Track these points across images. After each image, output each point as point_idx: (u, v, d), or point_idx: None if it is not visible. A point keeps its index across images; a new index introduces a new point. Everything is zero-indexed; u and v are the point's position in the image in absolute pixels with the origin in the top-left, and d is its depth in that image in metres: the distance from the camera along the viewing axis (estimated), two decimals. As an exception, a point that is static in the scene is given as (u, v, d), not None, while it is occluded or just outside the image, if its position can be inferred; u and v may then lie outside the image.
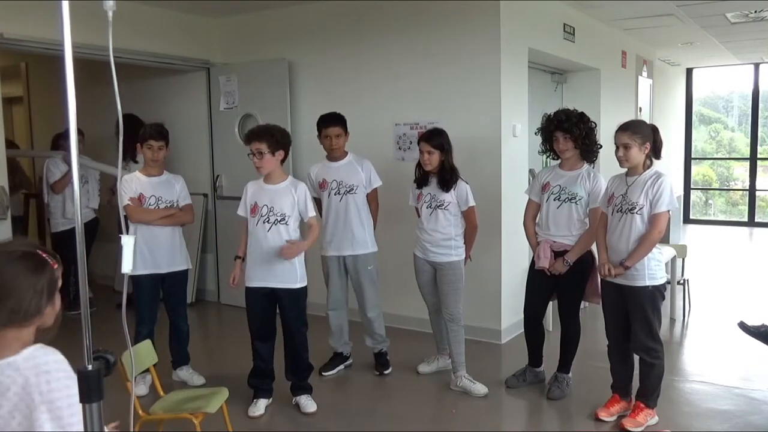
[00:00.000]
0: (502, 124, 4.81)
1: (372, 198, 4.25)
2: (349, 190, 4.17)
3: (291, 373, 3.84)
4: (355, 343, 4.50)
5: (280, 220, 3.62)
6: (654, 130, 3.46)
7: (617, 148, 3.42)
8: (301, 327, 3.77)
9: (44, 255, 1.60)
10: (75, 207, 1.43)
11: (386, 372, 4.34)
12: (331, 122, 4.16)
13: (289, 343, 3.79)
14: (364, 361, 4.49)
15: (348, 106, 4.43)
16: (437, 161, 3.93)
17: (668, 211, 3.34)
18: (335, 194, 4.19)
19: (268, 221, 3.62)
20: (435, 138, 3.94)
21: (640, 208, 3.34)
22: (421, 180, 4.05)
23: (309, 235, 3.70)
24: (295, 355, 3.80)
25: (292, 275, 3.67)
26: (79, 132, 6.36)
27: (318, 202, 4.24)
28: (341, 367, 4.46)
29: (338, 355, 4.46)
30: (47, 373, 1.50)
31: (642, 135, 3.37)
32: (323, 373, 4.39)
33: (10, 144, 6.30)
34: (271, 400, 3.83)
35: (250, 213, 3.66)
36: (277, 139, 3.64)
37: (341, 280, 4.31)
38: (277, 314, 3.79)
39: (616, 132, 3.43)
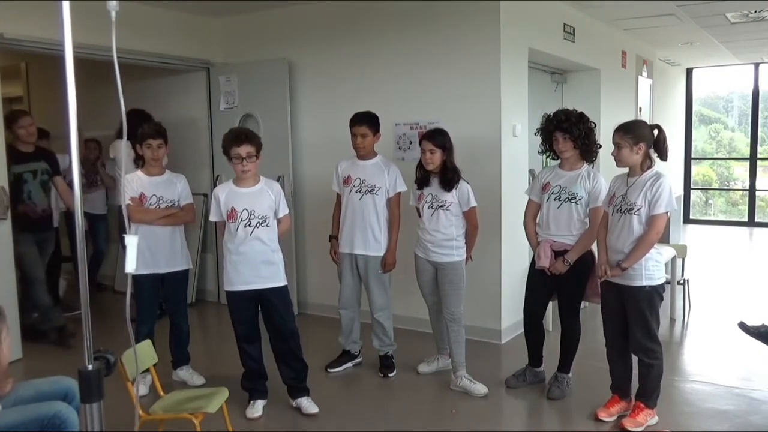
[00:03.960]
0: (502, 124, 4.81)
1: (394, 202, 4.22)
2: (370, 190, 4.17)
3: (289, 378, 3.79)
4: (365, 341, 4.52)
5: (262, 223, 3.61)
6: (659, 131, 3.44)
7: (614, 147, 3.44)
8: (293, 324, 3.76)
9: None
10: (75, 206, 1.43)
11: (390, 375, 4.33)
12: (358, 121, 4.16)
13: (283, 345, 3.73)
14: (370, 361, 4.49)
15: (348, 106, 4.43)
16: (439, 160, 3.93)
17: (666, 212, 3.33)
18: (356, 192, 4.20)
19: (249, 225, 3.58)
20: (437, 137, 3.94)
21: (638, 209, 3.34)
22: (423, 180, 4.05)
23: (281, 231, 3.75)
24: (291, 358, 3.75)
25: (277, 273, 3.67)
26: (95, 140, 6.33)
27: (339, 198, 4.33)
28: (349, 364, 4.47)
29: (346, 352, 4.48)
30: None
31: (634, 136, 3.36)
32: (329, 370, 4.41)
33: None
34: (266, 400, 3.81)
35: (227, 218, 3.60)
36: (260, 141, 3.64)
37: (353, 280, 4.31)
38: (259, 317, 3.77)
39: (613, 131, 3.45)
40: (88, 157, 6.26)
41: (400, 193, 4.24)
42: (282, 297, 3.69)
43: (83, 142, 6.34)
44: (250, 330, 3.71)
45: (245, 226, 3.58)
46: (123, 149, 1.58)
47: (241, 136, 3.56)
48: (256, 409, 3.72)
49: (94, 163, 6.38)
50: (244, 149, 3.53)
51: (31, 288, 4.99)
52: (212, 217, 3.71)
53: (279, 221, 3.72)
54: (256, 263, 3.61)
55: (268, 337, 3.77)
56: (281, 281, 3.68)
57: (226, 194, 3.64)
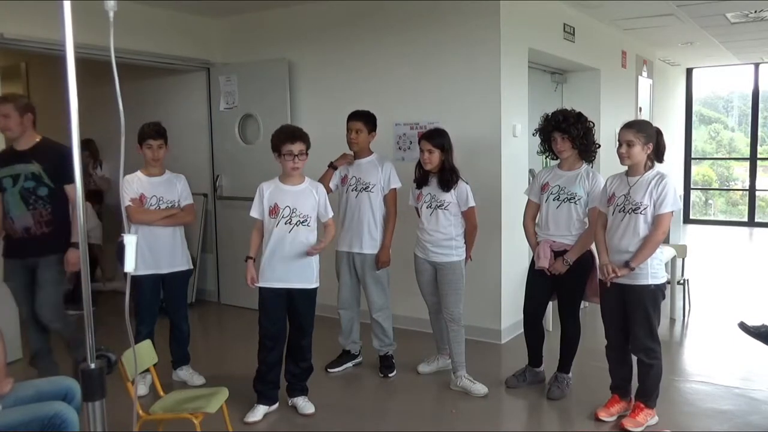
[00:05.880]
0: (502, 124, 4.81)
1: (390, 199, 4.23)
2: (365, 188, 4.19)
3: (292, 375, 3.81)
4: (364, 341, 4.53)
5: (303, 221, 3.64)
6: (658, 133, 3.46)
7: (620, 144, 3.41)
8: (311, 327, 3.79)
9: None
10: (78, 209, 1.44)
11: (390, 375, 4.34)
12: (354, 117, 4.21)
13: (297, 343, 3.77)
14: (370, 361, 4.49)
15: (348, 106, 4.43)
16: (437, 160, 3.93)
17: (672, 211, 3.34)
18: (352, 190, 4.22)
19: (290, 222, 3.62)
20: (436, 137, 3.95)
21: (644, 209, 3.34)
22: (421, 180, 4.06)
23: (327, 236, 3.76)
24: (300, 357, 3.79)
25: (310, 275, 3.71)
26: (91, 141, 6.18)
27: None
28: (349, 364, 4.48)
29: (346, 352, 4.48)
30: None
31: (646, 134, 3.37)
32: (329, 370, 4.41)
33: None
34: (272, 408, 3.76)
35: (269, 214, 3.64)
36: (310, 141, 3.71)
37: (351, 279, 4.32)
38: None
39: (621, 128, 3.43)
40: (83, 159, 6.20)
41: (395, 189, 4.25)
42: (309, 299, 3.74)
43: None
44: (276, 329, 3.70)
45: (286, 223, 3.62)
46: (122, 149, 1.58)
47: (296, 134, 3.63)
48: (256, 414, 3.68)
49: (85, 167, 6.31)
50: (297, 147, 3.59)
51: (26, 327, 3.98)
52: (253, 212, 3.71)
53: (325, 225, 3.76)
54: (292, 262, 3.64)
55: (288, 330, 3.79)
56: (313, 283, 3.73)
57: (271, 190, 3.68)
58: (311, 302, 3.76)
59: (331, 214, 3.78)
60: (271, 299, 3.68)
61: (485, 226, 4.42)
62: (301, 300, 3.70)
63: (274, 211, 3.63)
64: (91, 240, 5.95)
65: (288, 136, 3.62)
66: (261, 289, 3.68)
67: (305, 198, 3.68)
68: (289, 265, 3.64)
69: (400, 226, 4.28)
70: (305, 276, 3.68)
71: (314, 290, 3.75)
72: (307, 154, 3.67)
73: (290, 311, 3.74)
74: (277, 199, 3.65)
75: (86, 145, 6.38)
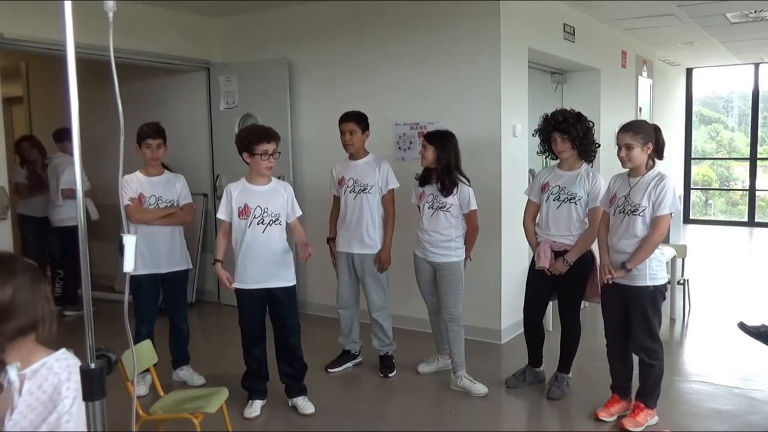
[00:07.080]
0: (502, 124, 4.81)
1: (388, 200, 4.23)
2: (363, 189, 4.19)
3: (287, 376, 3.81)
4: (364, 341, 4.53)
5: (275, 221, 3.63)
6: (656, 130, 3.44)
7: (619, 148, 3.39)
8: (297, 326, 3.77)
9: (31, 262, 1.65)
10: (78, 206, 1.44)
11: (390, 375, 4.34)
12: (346, 118, 4.20)
13: (285, 343, 3.76)
14: (370, 361, 4.50)
15: (348, 106, 4.43)
16: (432, 156, 3.93)
17: (670, 213, 3.33)
18: (350, 192, 4.22)
19: (262, 222, 3.61)
20: (434, 134, 3.98)
21: (643, 210, 3.33)
22: (423, 178, 4.06)
23: (300, 237, 3.67)
24: (292, 357, 3.78)
25: (287, 273, 3.70)
26: (31, 139, 6.06)
27: (336, 201, 4.35)
28: (349, 364, 4.48)
29: (346, 352, 4.48)
30: (76, 374, 1.53)
31: (644, 135, 3.36)
32: (329, 370, 4.41)
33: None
34: (265, 400, 3.82)
35: (239, 215, 3.62)
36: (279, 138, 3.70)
37: (351, 279, 4.32)
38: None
39: (618, 132, 3.41)
40: (26, 159, 6.04)
41: (393, 190, 4.24)
42: (290, 296, 3.72)
43: (17, 143, 6.17)
44: (256, 329, 3.72)
45: (258, 223, 3.60)
46: (121, 149, 1.57)
47: (271, 133, 3.63)
48: (254, 409, 3.73)
49: (34, 164, 6.11)
50: (272, 146, 3.60)
51: None
52: (220, 214, 3.69)
53: (292, 226, 3.70)
54: (267, 262, 3.63)
55: (273, 333, 3.78)
56: (291, 281, 3.71)
57: (239, 191, 3.66)
58: (292, 299, 3.74)
59: (298, 213, 3.75)
60: (249, 301, 3.67)
61: (485, 226, 4.42)
62: (282, 298, 3.68)
63: (244, 212, 3.61)
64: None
65: (264, 136, 3.60)
66: (238, 290, 3.67)
67: (275, 197, 3.67)
68: (264, 265, 3.62)
69: (400, 226, 4.28)
70: (282, 274, 3.67)
71: (293, 287, 3.73)
72: (279, 153, 3.67)
73: (273, 311, 3.73)
74: (246, 199, 3.62)
75: (28, 140, 6.27)
